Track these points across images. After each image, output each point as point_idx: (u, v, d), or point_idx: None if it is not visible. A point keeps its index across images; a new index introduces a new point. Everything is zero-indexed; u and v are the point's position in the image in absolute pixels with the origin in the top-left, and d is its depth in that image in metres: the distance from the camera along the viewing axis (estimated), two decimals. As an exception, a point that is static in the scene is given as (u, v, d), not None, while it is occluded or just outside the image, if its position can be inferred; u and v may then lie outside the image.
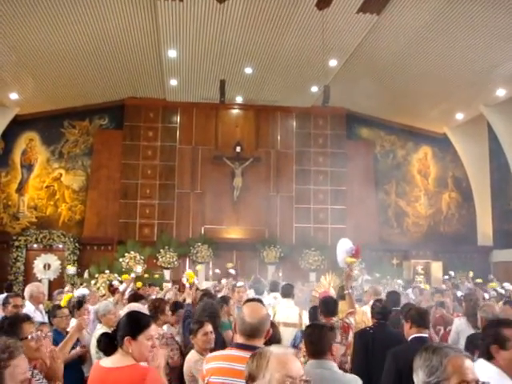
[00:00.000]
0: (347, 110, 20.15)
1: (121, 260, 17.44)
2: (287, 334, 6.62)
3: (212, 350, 4.42)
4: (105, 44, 14.83)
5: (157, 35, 14.50)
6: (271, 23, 13.58)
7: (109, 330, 3.68)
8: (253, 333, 3.17)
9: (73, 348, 5.20)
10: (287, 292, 7.78)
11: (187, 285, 11.25)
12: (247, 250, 18.78)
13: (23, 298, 6.92)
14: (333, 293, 7.44)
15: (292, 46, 14.78)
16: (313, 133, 20.32)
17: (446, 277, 16.17)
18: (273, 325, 4.42)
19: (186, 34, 14.22)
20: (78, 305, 6.87)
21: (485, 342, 3.27)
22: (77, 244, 18.19)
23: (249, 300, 3.69)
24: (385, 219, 20.58)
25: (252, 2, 12.57)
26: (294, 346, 5.72)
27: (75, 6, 12.68)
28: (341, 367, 3.76)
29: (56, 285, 15.83)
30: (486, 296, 11.10)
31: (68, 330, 5.93)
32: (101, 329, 5.76)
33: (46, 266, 17.73)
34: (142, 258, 17.75)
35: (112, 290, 10.72)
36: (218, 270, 16.32)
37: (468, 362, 2.23)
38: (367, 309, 6.63)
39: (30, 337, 3.50)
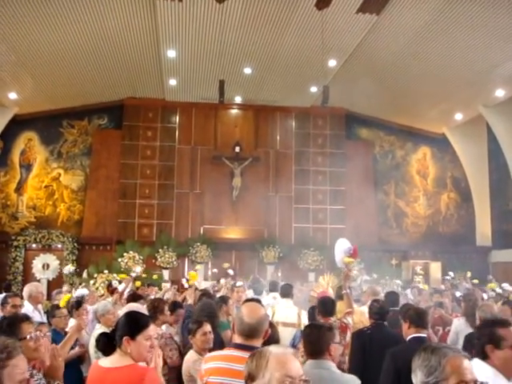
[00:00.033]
0: (346, 110, 20.16)
1: (120, 260, 17.42)
2: (286, 334, 6.62)
3: (211, 350, 4.42)
4: (104, 44, 14.83)
5: (156, 35, 14.49)
6: (270, 23, 13.58)
7: (107, 330, 3.68)
8: (251, 333, 3.17)
9: (71, 348, 5.20)
10: (286, 292, 7.78)
11: (186, 285, 11.26)
12: (246, 250, 18.78)
13: (22, 297, 6.91)
14: (331, 293, 7.45)
15: (291, 46, 14.78)
16: (312, 133, 20.33)
17: (447, 277, 16.15)
18: (271, 325, 4.42)
19: (185, 33, 14.21)
20: (77, 305, 6.86)
21: (480, 342, 3.28)
22: (75, 244, 18.20)
23: (247, 300, 3.69)
24: (384, 219, 20.58)
25: (251, 1, 12.56)
26: (293, 345, 5.72)
27: (74, 6, 12.67)
28: (339, 367, 3.76)
29: (55, 285, 15.82)
30: (485, 296, 11.10)
31: (67, 329, 5.93)
32: (99, 329, 5.77)
33: (44, 265, 17.74)
34: (141, 257, 17.74)
35: (111, 290, 10.71)
36: (215, 270, 16.31)
37: (466, 363, 2.23)
38: (365, 309, 6.62)
39: (28, 337, 3.50)
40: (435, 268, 18.96)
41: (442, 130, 20.66)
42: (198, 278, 16.97)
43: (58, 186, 19.23)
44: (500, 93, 16.55)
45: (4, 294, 7.24)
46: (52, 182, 19.21)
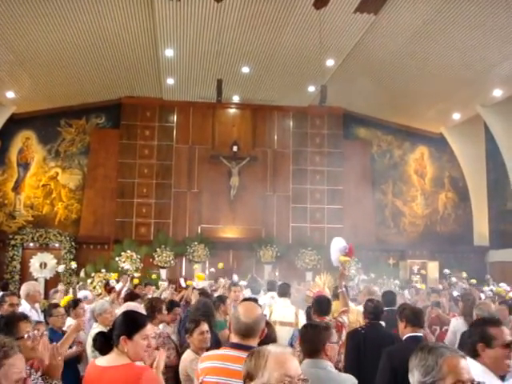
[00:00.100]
0: (344, 109, 20.16)
1: (117, 259, 17.41)
2: (283, 333, 6.63)
3: (208, 350, 4.42)
4: (102, 43, 14.81)
5: (154, 34, 14.48)
6: (268, 22, 13.57)
7: (105, 329, 3.68)
8: (248, 332, 3.18)
9: (69, 347, 5.20)
10: (284, 291, 7.79)
11: (184, 284, 11.27)
12: (244, 250, 18.78)
13: (19, 296, 6.91)
14: (327, 292, 7.45)
15: (289, 46, 14.77)
16: (310, 132, 20.33)
17: (447, 271, 16.13)
18: (268, 324, 4.43)
19: (183, 32, 14.21)
20: (74, 304, 6.88)
21: (471, 340, 3.30)
22: (73, 243, 18.18)
23: (244, 300, 3.70)
24: (381, 219, 20.59)
25: (249, 1, 12.56)
26: (291, 345, 5.73)
27: (72, 6, 12.66)
28: (336, 367, 3.76)
29: (52, 283, 15.79)
30: (482, 296, 11.13)
31: (64, 329, 5.93)
32: (97, 328, 5.76)
33: (42, 264, 17.71)
34: (139, 257, 17.74)
35: (108, 289, 10.72)
36: (213, 269, 16.31)
37: (463, 362, 2.24)
38: (362, 308, 6.64)
39: (26, 336, 3.50)
40: (433, 267, 18.97)
41: (439, 130, 20.68)
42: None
43: (55, 184, 19.21)
44: (498, 93, 16.56)
45: (1, 293, 7.24)
46: (50, 180, 19.19)
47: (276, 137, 20.22)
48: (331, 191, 19.90)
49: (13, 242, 17.75)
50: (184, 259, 18.75)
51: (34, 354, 3.43)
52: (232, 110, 20.37)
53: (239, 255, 18.84)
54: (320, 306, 5.92)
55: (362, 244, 16.97)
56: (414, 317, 4.67)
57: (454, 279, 15.04)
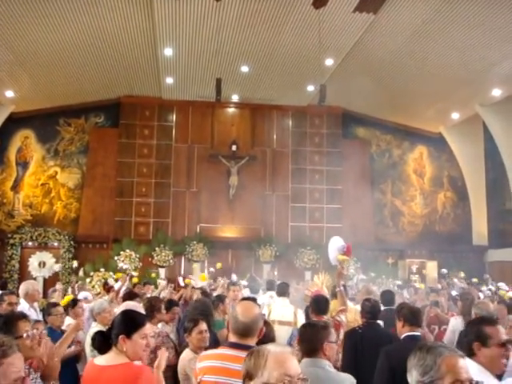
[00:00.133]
0: (343, 109, 20.16)
1: (116, 258, 17.42)
2: (282, 333, 6.63)
3: (206, 349, 4.42)
4: (101, 42, 14.80)
5: (153, 33, 14.47)
6: (268, 22, 13.57)
7: (104, 329, 3.69)
8: (246, 332, 3.18)
9: (68, 346, 5.20)
10: (282, 291, 7.80)
11: (182, 283, 11.26)
12: (243, 249, 18.78)
13: (18, 295, 6.91)
14: (326, 292, 7.46)
15: (288, 45, 14.77)
16: (309, 132, 20.33)
17: (444, 270, 16.14)
18: (267, 323, 4.43)
19: (183, 32, 14.20)
20: (73, 303, 6.88)
21: (467, 339, 3.32)
22: (72, 242, 18.17)
23: (243, 299, 3.70)
24: (380, 218, 20.60)
25: (248, 0, 12.56)
26: (290, 344, 5.73)
27: (72, 5, 12.65)
28: (334, 366, 3.76)
29: (51, 283, 15.76)
30: (481, 296, 11.13)
31: (63, 328, 5.93)
32: (96, 327, 5.76)
33: (40, 263, 17.69)
34: (138, 256, 17.74)
35: (107, 288, 10.72)
36: (212, 269, 16.31)
37: (462, 362, 2.24)
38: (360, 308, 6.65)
39: (25, 335, 3.50)
40: (431, 267, 18.98)
41: (438, 130, 20.69)
42: (194, 276, 17.02)
43: (54, 184, 19.20)
44: (496, 92, 16.57)
45: (0, 292, 7.24)
46: (48, 179, 19.18)
47: (275, 136, 20.22)
48: (330, 191, 19.90)
49: (11, 241, 17.75)
50: (183, 258, 18.75)
51: (33, 354, 3.42)
52: (231, 110, 20.37)
53: (238, 254, 18.83)
54: (318, 305, 5.92)
55: (361, 243, 16.97)
56: (412, 316, 4.68)
57: (456, 280, 15.03)
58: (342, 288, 6.24)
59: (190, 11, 13.06)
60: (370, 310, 5.64)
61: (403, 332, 4.66)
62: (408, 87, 17.08)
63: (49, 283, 16.05)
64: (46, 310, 6.14)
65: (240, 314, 3.20)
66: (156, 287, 11.95)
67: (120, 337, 3.25)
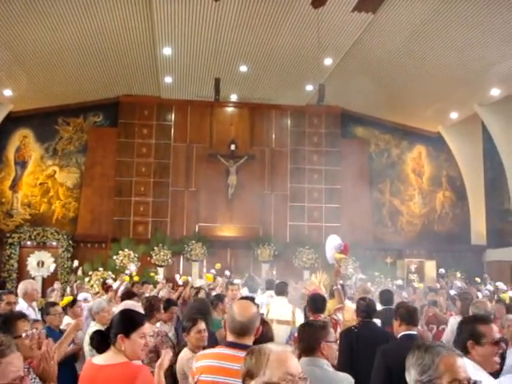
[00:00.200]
0: (342, 108, 20.15)
1: (114, 258, 17.42)
2: (280, 332, 6.64)
3: (205, 348, 4.43)
4: (100, 41, 14.79)
5: (152, 33, 14.46)
6: (266, 21, 13.57)
7: (102, 328, 3.69)
8: (243, 331, 3.19)
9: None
10: (281, 290, 7.80)
11: (180, 282, 11.27)
12: (241, 248, 18.78)
13: (16, 295, 6.91)
14: (323, 291, 7.47)
15: (287, 45, 14.77)
16: (307, 131, 20.33)
17: (442, 270, 16.16)
18: (265, 322, 4.44)
19: (181, 31, 14.20)
20: (72, 303, 6.88)
21: (461, 338, 3.34)
22: (70, 241, 18.16)
23: (241, 298, 3.71)
24: (379, 218, 20.61)
25: (247, 0, 12.56)
26: (288, 343, 5.73)
27: (70, 4, 12.65)
28: (333, 365, 3.77)
29: (49, 282, 15.75)
30: (480, 295, 11.15)
31: (61, 327, 5.93)
32: (94, 326, 5.76)
33: (39, 263, 17.69)
34: (136, 255, 17.75)
35: (106, 287, 10.72)
36: (213, 271, 16.31)
37: (460, 361, 2.25)
38: (358, 307, 6.66)
39: (24, 335, 3.50)
40: (430, 266, 19.00)
41: (437, 129, 20.70)
42: (193, 275, 17.03)
43: (53, 183, 19.19)
44: (495, 92, 16.58)
45: (-2, 292, 7.23)
46: (47, 179, 19.17)
47: (274, 135, 20.21)
48: (329, 190, 19.91)
49: (10, 241, 17.73)
50: (182, 258, 18.75)
51: (32, 353, 3.43)
52: (230, 109, 20.36)
53: (237, 254, 18.83)
54: (315, 303, 5.94)
55: (360, 243, 16.99)
56: (409, 315, 4.71)
57: (458, 283, 15.04)
58: (339, 286, 6.26)
59: (188, 11, 13.06)
60: (365, 309, 5.67)
61: (400, 331, 4.70)
62: (407, 87, 17.09)
63: (47, 283, 16.04)
64: (45, 309, 6.14)
65: (237, 314, 3.21)
66: (155, 286, 11.96)
67: (118, 336, 3.26)
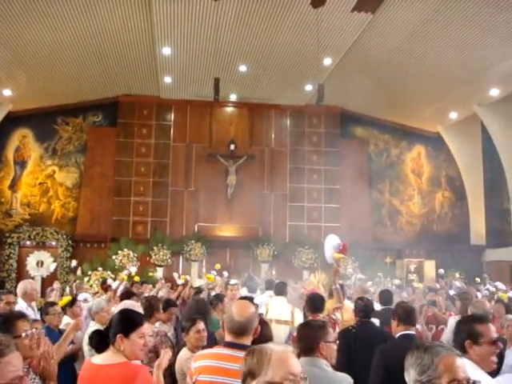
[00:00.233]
0: (341, 108, 20.15)
1: (114, 257, 17.41)
2: (279, 332, 6.64)
3: (204, 348, 4.42)
4: (99, 41, 14.79)
5: (151, 32, 14.46)
6: (266, 21, 13.57)
7: (102, 328, 3.69)
8: (241, 331, 3.19)
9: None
10: (280, 290, 7.80)
11: (179, 281, 11.26)
12: (241, 248, 18.78)
13: (15, 295, 6.90)
14: (322, 290, 7.47)
15: (287, 45, 14.77)
16: (307, 131, 20.33)
17: (442, 271, 16.17)
18: (265, 322, 4.44)
19: (181, 31, 14.20)
20: (71, 302, 6.87)
21: (458, 337, 3.35)
22: (70, 241, 18.15)
23: (241, 299, 3.72)
24: (378, 218, 20.60)
25: (247, 0, 12.57)
26: (287, 343, 5.73)
27: (70, 4, 12.65)
28: (332, 365, 3.76)
29: (49, 282, 15.75)
30: (479, 295, 11.16)
31: (60, 327, 5.93)
32: (94, 326, 5.76)
33: (38, 263, 17.68)
34: (136, 255, 17.74)
35: (105, 287, 10.71)
36: (214, 272, 16.30)
37: (459, 361, 2.25)
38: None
39: (24, 335, 3.49)
40: (429, 266, 19.00)
41: (436, 129, 20.70)
42: (192, 275, 17.02)
43: (52, 183, 19.18)
44: (495, 92, 16.58)
45: (-3, 291, 7.22)
46: (46, 179, 19.17)
47: (273, 135, 20.21)
48: (328, 190, 19.91)
49: (9, 241, 17.73)
50: (181, 258, 18.75)
51: (32, 353, 3.42)
52: (229, 109, 20.36)
53: (236, 254, 18.83)
54: (313, 303, 5.94)
55: (359, 243, 17.01)
56: (406, 315, 4.73)
57: (457, 283, 15.03)
58: (338, 286, 6.26)
59: (188, 11, 13.06)
60: (362, 309, 5.69)
61: (398, 331, 4.72)
62: (406, 87, 17.09)
63: (47, 282, 16.04)
64: (44, 309, 6.14)
65: (235, 314, 3.21)
66: (154, 286, 11.97)
67: (118, 336, 3.26)
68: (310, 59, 15.25)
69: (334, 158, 19.85)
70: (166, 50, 15.27)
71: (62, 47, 14.81)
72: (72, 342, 5.70)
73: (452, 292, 11.80)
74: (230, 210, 19.32)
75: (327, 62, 15.56)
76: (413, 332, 4.71)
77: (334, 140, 20.31)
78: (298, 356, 3.62)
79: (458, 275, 16.78)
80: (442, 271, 16.03)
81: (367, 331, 5.52)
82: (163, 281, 13.07)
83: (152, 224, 19.14)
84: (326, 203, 19.79)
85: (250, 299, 5.39)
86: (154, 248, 18.28)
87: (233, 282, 9.90)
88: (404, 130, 20.82)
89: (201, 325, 4.93)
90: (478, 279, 15.44)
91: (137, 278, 12.86)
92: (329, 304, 6.55)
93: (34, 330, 3.55)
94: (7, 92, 16.94)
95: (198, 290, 9.22)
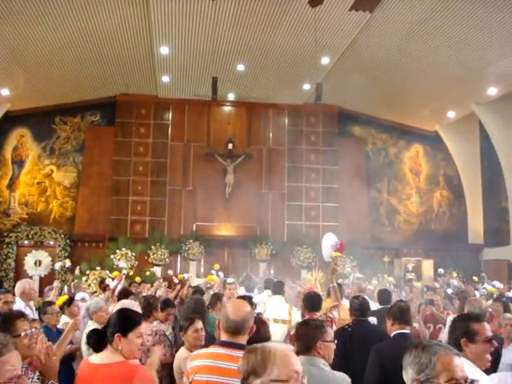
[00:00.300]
0: (339, 107, 20.15)
1: (112, 257, 17.40)
2: (277, 331, 6.65)
3: (203, 348, 4.42)
4: (97, 40, 14.78)
5: (149, 32, 14.46)
6: (264, 20, 13.57)
7: (100, 327, 3.69)
8: (237, 330, 3.20)
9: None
10: (278, 289, 7.81)
11: (176, 280, 11.26)
12: (239, 247, 18.78)
13: (14, 294, 6.90)
14: (319, 289, 7.48)
15: (284, 44, 14.77)
16: (305, 130, 20.33)
17: (441, 270, 16.19)
18: (263, 322, 4.43)
19: (179, 30, 14.19)
20: (69, 302, 6.87)
21: (454, 335, 3.37)
22: (68, 240, 18.14)
23: (239, 298, 3.72)
24: (376, 217, 20.61)
25: (244, -1, 12.59)
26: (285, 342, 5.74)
27: (68, 4, 12.63)
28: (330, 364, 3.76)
29: (47, 281, 15.74)
30: (477, 294, 11.17)
31: (58, 326, 5.93)
32: (92, 325, 5.75)
33: (36, 262, 17.66)
34: (134, 254, 17.73)
35: (103, 286, 10.71)
36: (213, 271, 16.27)
37: (457, 360, 2.25)
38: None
39: (23, 334, 3.49)
40: (427, 265, 19.02)
41: (434, 128, 20.71)
42: (193, 275, 17.03)
43: (50, 182, 19.17)
44: (492, 91, 16.59)
45: (-5, 291, 7.23)
46: (44, 178, 19.15)
47: (271, 134, 20.22)
48: (326, 189, 19.91)
49: (7, 240, 17.72)
50: (179, 257, 18.75)
51: (31, 352, 3.42)
52: (227, 108, 20.35)
53: (234, 253, 18.83)
54: (310, 302, 5.95)
55: (357, 242, 17.03)
56: (401, 315, 4.76)
57: (455, 282, 15.05)
58: (335, 284, 6.27)
59: (186, 10, 13.05)
60: (358, 308, 5.71)
61: (393, 330, 4.75)
62: (404, 86, 17.10)
63: (45, 282, 16.02)
64: (42, 308, 6.14)
65: (231, 313, 3.22)
66: (152, 285, 11.97)
67: (115, 335, 3.26)
68: (307, 58, 15.25)
69: (331, 157, 19.86)
70: (164, 50, 15.26)
71: (60, 47, 14.80)
72: (70, 342, 5.70)
73: (450, 291, 11.82)
74: (227, 209, 19.32)
75: (325, 61, 15.55)
76: (408, 331, 4.74)
77: (332, 139, 20.32)
78: (297, 354, 3.63)
79: (455, 274, 16.79)
80: (441, 270, 16.07)
81: (363, 330, 5.53)
82: (161, 280, 13.08)
83: (150, 223, 19.14)
84: (324, 202, 19.80)
85: (249, 298, 5.40)
86: (152, 247, 18.28)
87: (230, 280, 9.91)
88: (402, 128, 20.83)
89: (199, 324, 4.93)
90: (475, 278, 15.45)
91: (138, 279, 12.87)
92: (326, 303, 6.55)
93: (33, 330, 3.56)
94: (5, 91, 16.92)
95: (197, 290, 9.21)
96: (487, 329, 3.34)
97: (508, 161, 17.60)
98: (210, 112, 20.00)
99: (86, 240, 18.63)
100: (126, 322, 3.35)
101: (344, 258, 17.00)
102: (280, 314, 7.27)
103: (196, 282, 14.77)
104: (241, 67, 16.52)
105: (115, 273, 11.58)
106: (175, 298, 9.69)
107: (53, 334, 5.31)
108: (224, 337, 3.23)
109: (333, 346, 3.76)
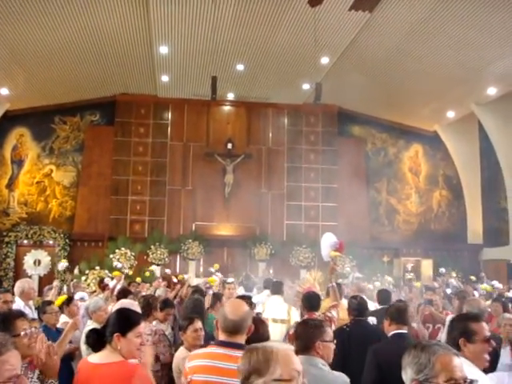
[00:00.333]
0: (339, 107, 20.15)
1: (111, 256, 17.39)
2: (276, 331, 6.65)
3: (202, 347, 4.42)
4: (96, 40, 14.77)
5: (148, 31, 14.45)
6: (263, 20, 13.57)
7: (99, 327, 3.69)
8: (235, 329, 3.20)
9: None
10: (277, 289, 7.82)
11: (175, 279, 11.26)
12: (238, 247, 18.77)
13: (13, 294, 6.89)
14: (318, 288, 7.48)
15: (284, 43, 14.76)
16: (304, 130, 20.33)
17: (443, 270, 16.18)
18: (262, 322, 4.43)
19: (178, 30, 14.18)
20: (68, 301, 6.86)
21: (452, 335, 3.39)
22: (67, 240, 18.13)
23: (238, 297, 3.72)
24: (376, 217, 20.61)
25: (244, -2, 12.59)
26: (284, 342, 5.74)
27: (68, 3, 12.63)
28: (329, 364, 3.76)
29: (46, 281, 15.73)
30: (476, 294, 11.17)
31: (58, 326, 5.92)
32: (91, 325, 5.74)
33: (36, 261, 17.65)
34: (133, 254, 17.72)
35: (102, 286, 10.70)
36: (213, 270, 16.27)
37: (456, 360, 2.25)
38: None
39: (23, 333, 3.49)
40: (426, 265, 19.02)
41: (434, 128, 20.72)
42: (192, 275, 17.03)
43: (49, 182, 19.17)
44: (492, 91, 16.59)
45: (-5, 290, 7.22)
46: (44, 178, 19.15)
47: (270, 134, 20.21)
48: (326, 189, 19.91)
49: (7, 239, 17.71)
50: (178, 257, 18.75)
51: (31, 352, 3.42)
52: (226, 108, 20.35)
53: (233, 253, 18.83)
54: (309, 301, 5.95)
55: (356, 242, 17.03)
56: (398, 315, 4.77)
57: (453, 282, 15.06)
58: (334, 284, 6.28)
59: (185, 9, 13.04)
60: (356, 307, 5.72)
61: (390, 330, 4.76)
62: (404, 85, 17.10)
63: (44, 281, 16.01)
64: (41, 308, 6.13)
65: (229, 312, 3.22)
66: (151, 285, 11.97)
67: (115, 335, 3.26)
68: (307, 58, 15.26)
69: (331, 157, 19.86)
70: (164, 49, 15.25)
71: (60, 47, 14.79)
72: (69, 341, 5.70)
73: (449, 291, 11.82)
74: (227, 208, 19.32)
75: (324, 60, 15.55)
76: (405, 331, 4.74)
77: (332, 139, 20.32)
78: (296, 354, 3.62)
79: (454, 274, 16.80)
80: (443, 270, 16.09)
81: (361, 330, 5.54)
82: (160, 279, 13.07)
83: (149, 223, 19.13)
84: (324, 202, 19.80)
85: (248, 298, 5.39)
86: (152, 247, 18.27)
87: (229, 280, 9.91)
88: (401, 128, 20.84)
89: (198, 324, 4.93)
90: (473, 277, 15.45)
91: (138, 279, 12.88)
92: (325, 303, 6.55)
93: (33, 329, 3.56)
94: (4, 91, 16.93)
95: (196, 289, 9.21)
96: (485, 329, 3.35)
97: (507, 161, 17.61)
98: (210, 112, 20.01)
99: (86, 239, 18.63)
100: (125, 321, 3.35)
101: (343, 258, 17.01)
102: (279, 313, 7.27)
103: (195, 281, 14.78)
104: (240, 67, 16.52)
105: (115, 272, 11.58)
106: (174, 297, 9.68)
107: (52, 333, 5.31)
108: (222, 336, 3.23)
109: (332, 345, 3.76)
